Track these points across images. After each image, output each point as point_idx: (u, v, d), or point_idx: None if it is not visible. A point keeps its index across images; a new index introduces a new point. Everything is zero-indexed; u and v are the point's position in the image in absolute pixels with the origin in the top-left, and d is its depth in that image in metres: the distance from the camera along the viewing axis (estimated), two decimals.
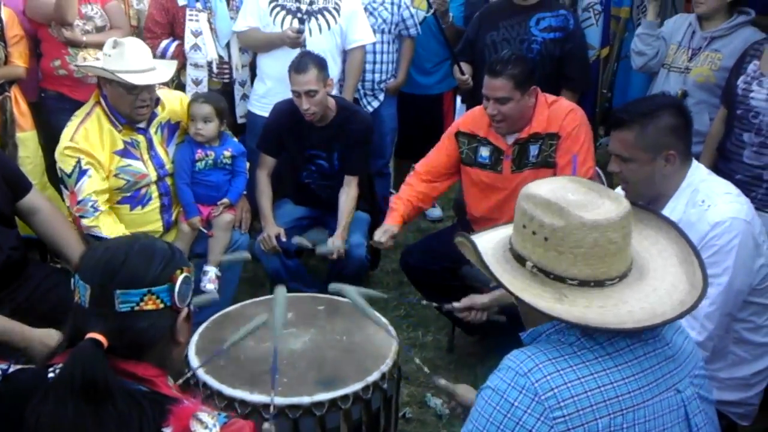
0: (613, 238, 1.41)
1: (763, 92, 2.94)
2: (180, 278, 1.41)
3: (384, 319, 2.51)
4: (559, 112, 3.15)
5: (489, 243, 1.59)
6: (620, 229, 1.42)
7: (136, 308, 1.35)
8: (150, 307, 1.36)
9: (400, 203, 3.35)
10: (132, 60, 3.01)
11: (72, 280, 1.40)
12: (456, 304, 2.59)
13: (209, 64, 3.97)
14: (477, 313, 2.57)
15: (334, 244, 3.45)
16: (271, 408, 1.98)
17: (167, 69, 3.26)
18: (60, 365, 1.35)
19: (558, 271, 1.44)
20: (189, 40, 3.95)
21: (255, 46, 4.02)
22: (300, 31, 3.77)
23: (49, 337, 2.27)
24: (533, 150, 3.16)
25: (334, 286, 2.30)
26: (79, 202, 3.01)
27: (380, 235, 3.21)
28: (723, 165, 3.07)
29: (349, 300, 2.23)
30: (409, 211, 3.34)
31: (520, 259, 1.49)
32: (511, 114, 3.08)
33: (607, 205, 1.44)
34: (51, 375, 1.33)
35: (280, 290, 2.04)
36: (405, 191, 3.41)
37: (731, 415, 2.32)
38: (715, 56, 3.40)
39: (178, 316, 1.43)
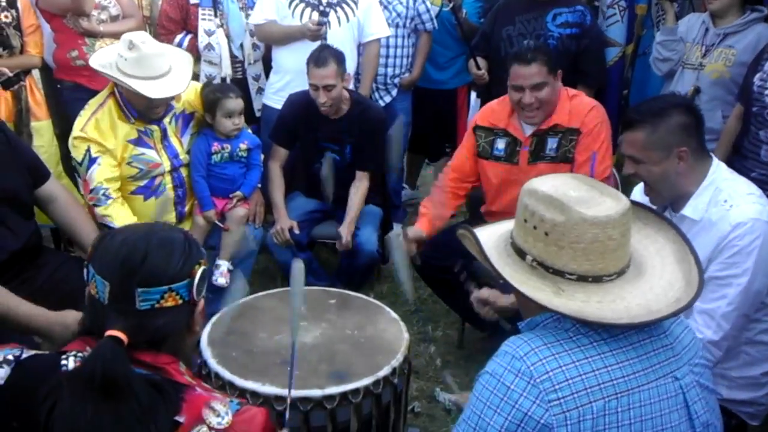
0: (612, 235, 1.44)
1: None
2: (198, 273, 1.41)
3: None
4: (581, 108, 3.14)
5: (491, 237, 1.62)
6: (620, 227, 1.45)
7: (156, 306, 1.35)
8: (170, 304, 1.37)
9: (430, 206, 3.30)
10: (149, 65, 2.97)
11: (86, 270, 1.39)
12: (476, 293, 2.55)
13: (223, 79, 3.95)
14: (489, 310, 2.54)
15: (340, 236, 3.51)
16: (287, 414, 1.89)
17: (184, 70, 3.18)
18: (73, 352, 1.36)
19: (557, 265, 1.47)
20: (202, 39, 3.96)
21: (272, 39, 4.02)
22: (321, 24, 3.77)
23: (69, 317, 2.27)
24: (551, 143, 3.14)
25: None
26: (91, 191, 3.03)
27: (410, 233, 3.13)
28: (739, 163, 3.04)
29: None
30: (439, 213, 3.27)
31: (521, 253, 1.52)
32: (548, 99, 3.07)
33: (607, 202, 1.47)
34: (63, 362, 1.34)
35: (297, 265, 1.87)
36: (434, 193, 3.38)
37: (741, 414, 2.31)
38: (729, 52, 3.39)
39: (195, 308, 1.44)
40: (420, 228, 3.22)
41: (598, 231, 1.43)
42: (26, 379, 1.36)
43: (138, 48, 2.96)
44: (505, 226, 1.64)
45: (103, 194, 3.03)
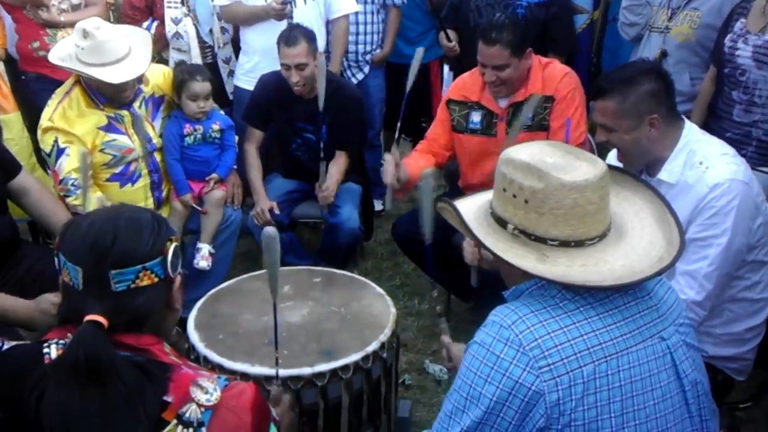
0: (591, 199, 1.45)
1: (749, 50, 2.94)
2: (170, 249, 1.40)
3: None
4: (554, 75, 3.13)
5: (471, 208, 1.63)
6: (598, 190, 1.46)
7: (132, 286, 1.34)
8: (145, 282, 1.36)
9: (410, 159, 3.26)
10: (106, 51, 2.91)
11: (56, 259, 1.37)
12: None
13: None
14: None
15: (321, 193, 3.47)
16: (276, 375, 1.97)
17: (143, 49, 3.10)
18: (54, 340, 1.34)
19: (539, 232, 1.47)
20: (170, 28, 3.90)
21: (238, 19, 3.96)
22: (286, 2, 3.72)
23: (43, 303, 2.28)
24: (527, 112, 3.15)
25: None
26: (60, 182, 2.99)
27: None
28: (714, 123, 3.07)
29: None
30: (419, 164, 3.17)
31: (502, 222, 1.52)
32: (510, 78, 3.07)
33: (584, 167, 1.47)
34: (46, 351, 1.33)
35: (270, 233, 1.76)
36: (412, 155, 3.37)
37: (727, 370, 2.35)
38: (694, 14, 3.40)
39: (173, 285, 1.42)
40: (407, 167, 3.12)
41: (577, 195, 1.44)
42: (9, 370, 1.34)
43: (93, 35, 2.89)
44: (484, 197, 1.64)
45: (72, 184, 2.99)
